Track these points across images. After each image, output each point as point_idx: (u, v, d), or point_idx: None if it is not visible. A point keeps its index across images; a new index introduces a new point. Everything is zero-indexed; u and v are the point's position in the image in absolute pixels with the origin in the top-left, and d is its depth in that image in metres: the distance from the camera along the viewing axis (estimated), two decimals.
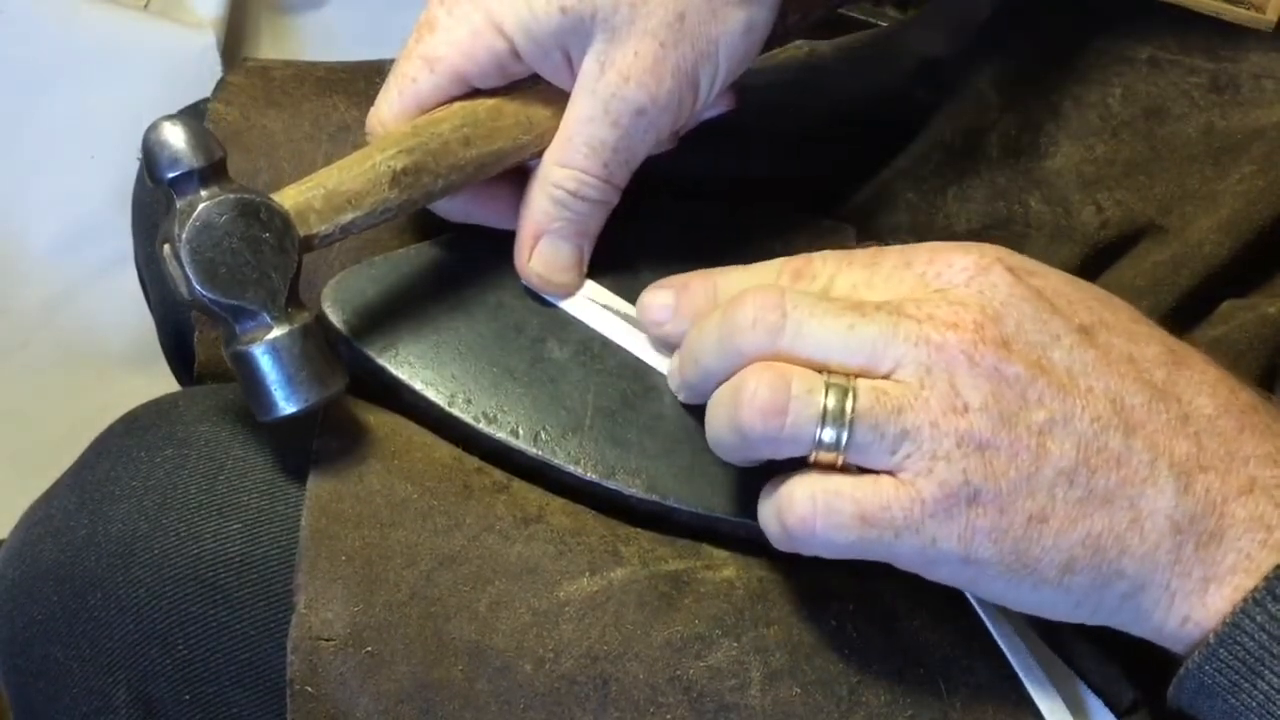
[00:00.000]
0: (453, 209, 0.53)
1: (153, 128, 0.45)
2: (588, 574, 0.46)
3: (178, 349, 0.64)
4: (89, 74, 1.11)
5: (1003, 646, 0.46)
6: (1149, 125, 0.56)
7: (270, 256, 0.44)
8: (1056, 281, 0.43)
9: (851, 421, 0.40)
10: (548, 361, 0.51)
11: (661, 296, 0.49)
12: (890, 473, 0.40)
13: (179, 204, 0.44)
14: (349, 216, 0.47)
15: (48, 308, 1.13)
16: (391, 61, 0.64)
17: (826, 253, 0.46)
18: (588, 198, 0.50)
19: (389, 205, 0.48)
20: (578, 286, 0.52)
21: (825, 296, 0.43)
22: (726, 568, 0.48)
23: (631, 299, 0.52)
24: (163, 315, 0.64)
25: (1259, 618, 0.38)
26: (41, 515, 0.50)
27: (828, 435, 0.40)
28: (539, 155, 0.51)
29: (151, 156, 0.44)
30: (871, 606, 0.47)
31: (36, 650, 0.48)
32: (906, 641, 0.46)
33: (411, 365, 0.50)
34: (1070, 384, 0.40)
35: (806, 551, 0.42)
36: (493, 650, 0.45)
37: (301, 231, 0.46)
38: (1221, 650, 0.39)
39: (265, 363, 0.44)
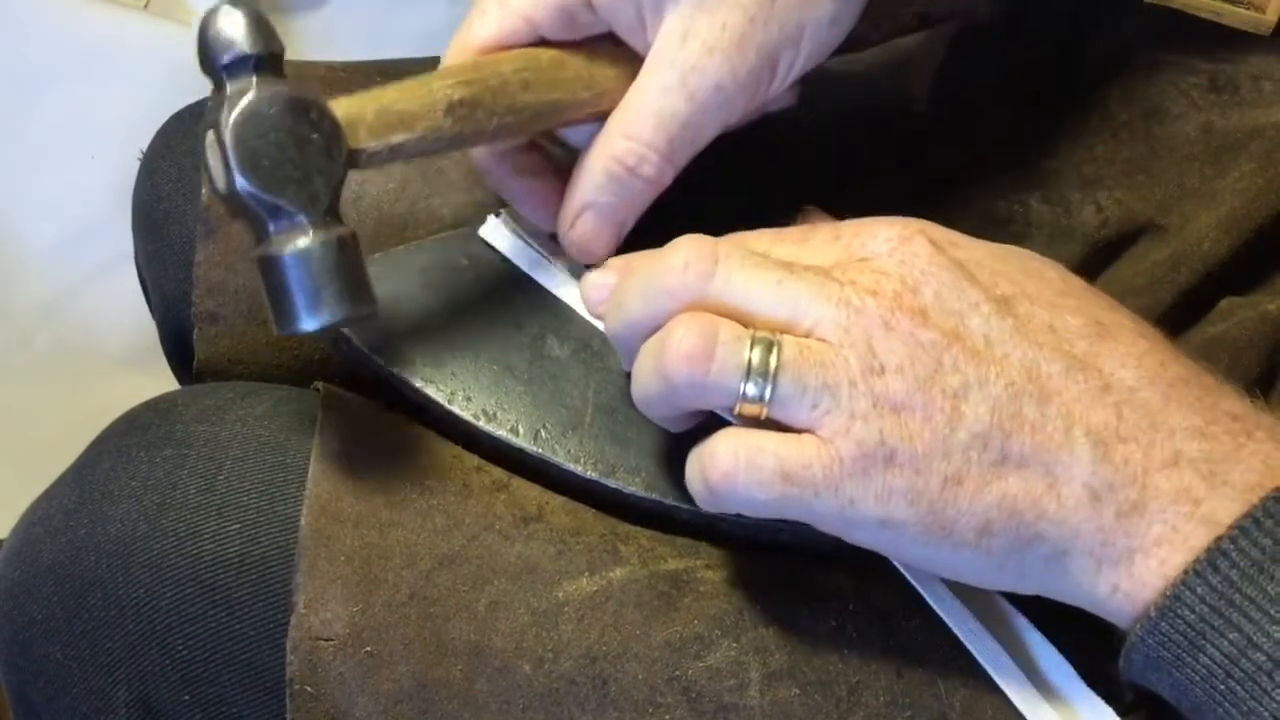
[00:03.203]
0: (492, 173, 0.53)
1: (210, 14, 0.43)
2: (587, 574, 0.46)
3: (178, 348, 0.64)
4: (89, 74, 1.12)
5: (985, 663, 0.46)
6: (1148, 125, 0.56)
7: (316, 159, 0.43)
8: (980, 253, 0.43)
9: (776, 372, 0.40)
10: (547, 359, 0.51)
11: (602, 275, 0.49)
12: (810, 431, 0.41)
13: (229, 89, 0.42)
14: (400, 138, 0.45)
15: (48, 308, 1.14)
16: (393, 61, 0.64)
17: (761, 230, 0.46)
18: (644, 175, 0.49)
19: (441, 134, 0.46)
20: (609, 255, 0.51)
21: (756, 253, 0.43)
22: (726, 567, 0.48)
23: None
24: (163, 315, 0.64)
25: (1199, 589, 0.38)
26: (41, 515, 0.50)
27: (752, 387, 0.40)
28: (595, 117, 0.50)
29: (206, 43, 0.42)
30: (871, 606, 0.47)
31: (36, 650, 0.48)
32: (906, 641, 0.46)
33: (411, 363, 0.50)
34: (985, 351, 0.40)
35: (728, 508, 0.42)
36: (492, 650, 0.45)
37: (350, 144, 0.44)
38: (1163, 624, 0.39)
39: (294, 270, 0.42)
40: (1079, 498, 0.40)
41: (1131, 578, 0.40)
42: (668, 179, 0.50)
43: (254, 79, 0.42)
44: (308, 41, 1.23)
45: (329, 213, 0.43)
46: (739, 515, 0.47)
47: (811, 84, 0.63)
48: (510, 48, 0.49)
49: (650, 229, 0.52)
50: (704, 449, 0.42)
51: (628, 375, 0.50)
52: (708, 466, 0.41)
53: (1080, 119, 0.58)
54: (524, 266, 0.53)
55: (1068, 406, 0.40)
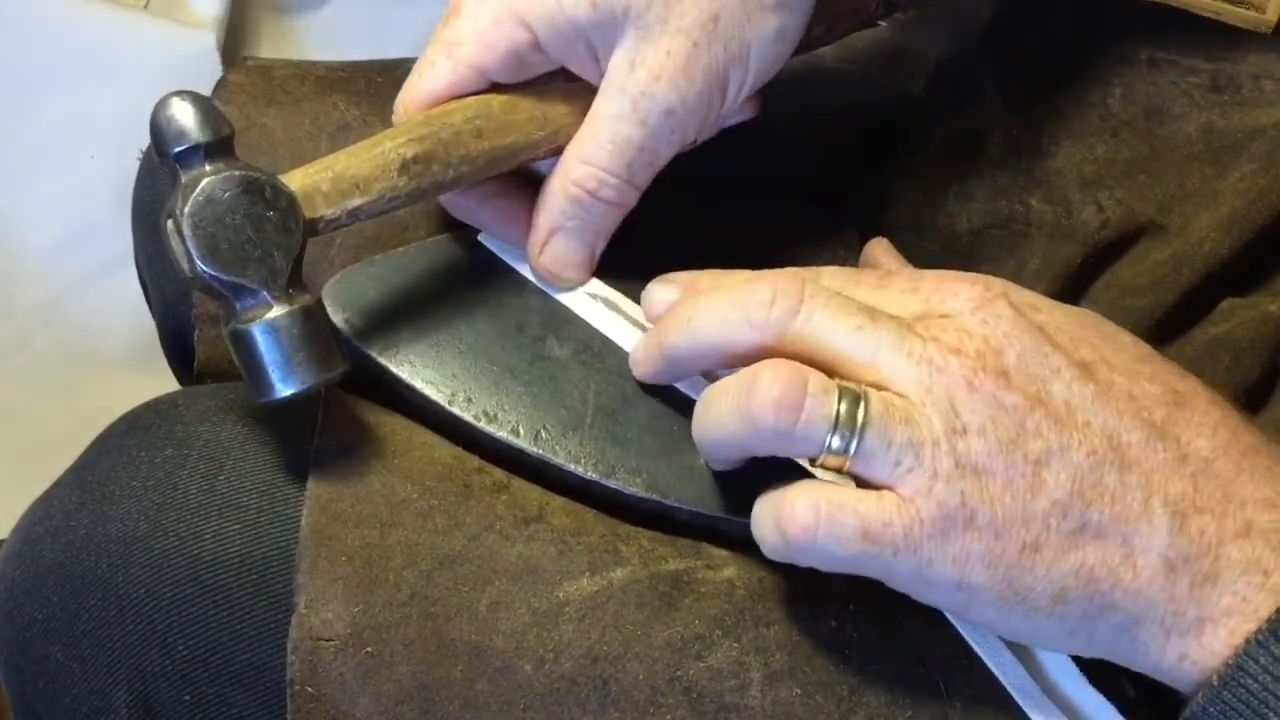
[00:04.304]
0: (459, 206, 0.53)
1: (161, 103, 0.44)
2: (588, 574, 0.46)
3: (178, 349, 0.64)
4: (89, 74, 1.11)
5: (987, 660, 0.46)
6: (1149, 125, 0.56)
7: (273, 235, 0.44)
8: (1060, 317, 0.43)
9: (863, 427, 0.40)
10: (548, 360, 0.51)
11: (667, 290, 0.49)
12: (890, 488, 0.40)
13: (183, 178, 0.44)
14: (356, 202, 0.47)
15: (48, 308, 1.13)
16: (393, 61, 0.64)
17: (835, 268, 0.46)
18: (606, 198, 0.50)
19: (397, 193, 0.47)
20: (585, 282, 0.52)
21: (842, 295, 0.43)
22: (727, 567, 0.48)
23: (631, 296, 0.52)
24: (163, 315, 0.64)
25: (1262, 659, 0.39)
26: (41, 515, 0.50)
27: (838, 439, 0.40)
28: (552, 154, 0.51)
29: (158, 131, 0.44)
30: (871, 606, 0.47)
31: (36, 650, 0.48)
32: (906, 641, 0.46)
33: (412, 364, 0.50)
34: (1068, 417, 0.40)
35: (802, 562, 0.42)
36: (493, 650, 0.45)
37: (307, 214, 0.45)
38: (1225, 692, 0.39)
39: (263, 342, 0.44)
40: (1154, 568, 0.40)
41: (1201, 647, 0.40)
42: (631, 201, 0.51)
43: (206, 166, 0.44)
44: (308, 41, 1.23)
45: (291, 284, 0.45)
46: (742, 516, 0.47)
47: (809, 83, 0.63)
48: (461, 96, 0.50)
49: (643, 232, 0.53)
50: (780, 502, 0.42)
51: (629, 377, 0.50)
52: (785, 518, 0.41)
53: (1080, 119, 0.58)
54: (523, 270, 0.53)
55: (1147, 476, 0.40)
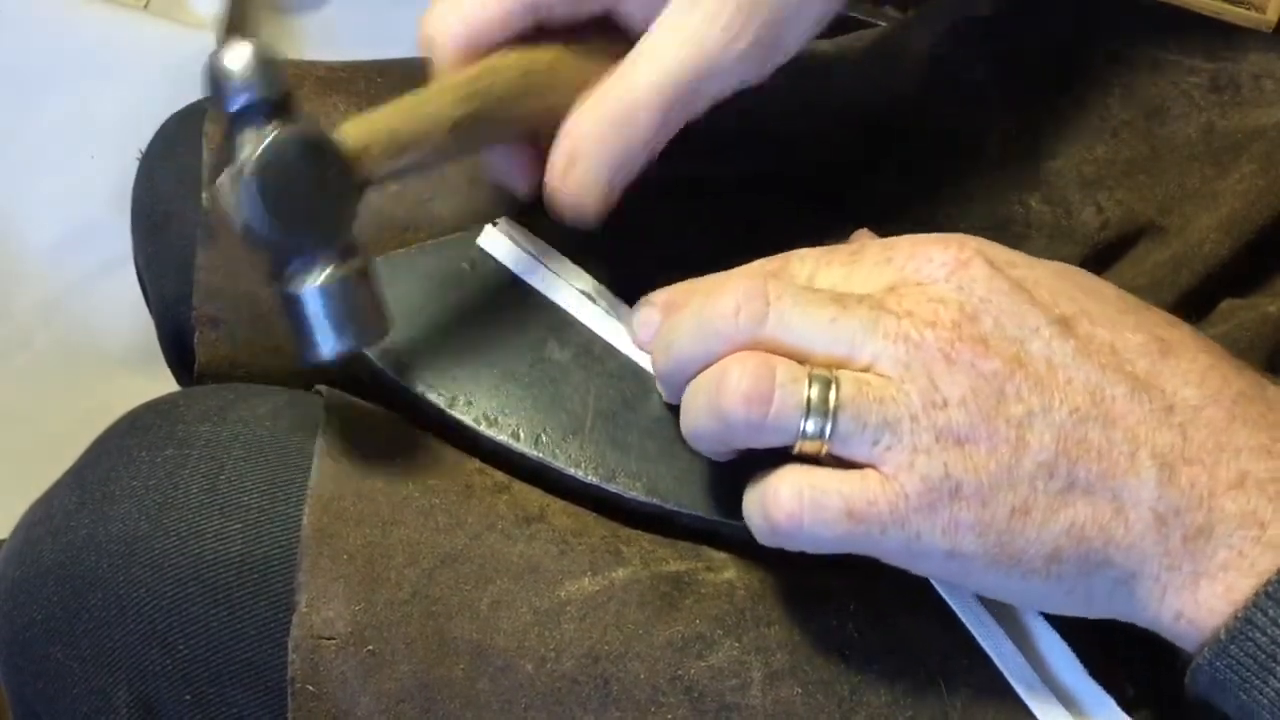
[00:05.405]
0: (489, 161, 0.53)
1: (217, 53, 0.43)
2: (589, 574, 0.46)
3: (176, 349, 0.64)
4: (89, 74, 1.12)
5: (989, 650, 0.46)
6: (1149, 125, 0.56)
7: (331, 195, 0.43)
8: (1039, 272, 0.43)
9: (835, 411, 0.40)
10: (549, 363, 0.51)
11: (648, 313, 0.49)
12: (873, 466, 0.40)
13: (246, 132, 0.43)
14: (406, 160, 0.46)
15: (48, 308, 1.14)
16: (393, 61, 0.64)
17: (804, 251, 0.46)
18: (640, 128, 0.48)
19: (445, 151, 0.47)
20: (602, 216, 0.50)
21: (808, 288, 0.43)
22: (727, 569, 0.48)
23: (630, 298, 0.52)
24: (161, 315, 0.64)
25: (1271, 612, 0.38)
26: (42, 515, 0.50)
27: (811, 425, 0.40)
28: None
29: (218, 84, 0.43)
30: (871, 606, 0.47)
31: (36, 650, 0.48)
32: (906, 641, 0.46)
33: (412, 367, 0.50)
34: (1049, 376, 0.40)
35: (792, 546, 0.42)
36: (494, 650, 0.45)
37: (361, 172, 0.44)
38: (1233, 646, 0.39)
39: (316, 305, 0.43)
40: (1146, 522, 0.40)
41: (1196, 603, 0.40)
42: (660, 142, 0.49)
43: (271, 122, 0.43)
44: (308, 41, 1.23)
45: (345, 245, 0.44)
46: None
47: (809, 82, 0.63)
48: (506, 35, 0.49)
49: (642, 233, 0.53)
50: (765, 488, 0.42)
51: (629, 381, 0.50)
52: (770, 505, 0.41)
53: (1080, 119, 0.58)
54: (522, 274, 0.53)
55: (1133, 430, 0.40)
